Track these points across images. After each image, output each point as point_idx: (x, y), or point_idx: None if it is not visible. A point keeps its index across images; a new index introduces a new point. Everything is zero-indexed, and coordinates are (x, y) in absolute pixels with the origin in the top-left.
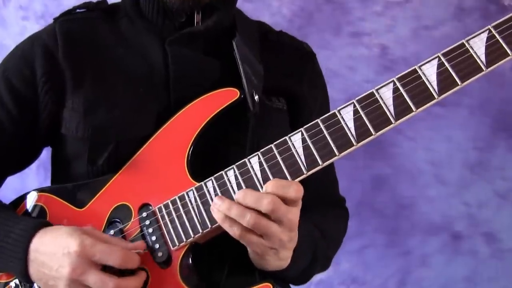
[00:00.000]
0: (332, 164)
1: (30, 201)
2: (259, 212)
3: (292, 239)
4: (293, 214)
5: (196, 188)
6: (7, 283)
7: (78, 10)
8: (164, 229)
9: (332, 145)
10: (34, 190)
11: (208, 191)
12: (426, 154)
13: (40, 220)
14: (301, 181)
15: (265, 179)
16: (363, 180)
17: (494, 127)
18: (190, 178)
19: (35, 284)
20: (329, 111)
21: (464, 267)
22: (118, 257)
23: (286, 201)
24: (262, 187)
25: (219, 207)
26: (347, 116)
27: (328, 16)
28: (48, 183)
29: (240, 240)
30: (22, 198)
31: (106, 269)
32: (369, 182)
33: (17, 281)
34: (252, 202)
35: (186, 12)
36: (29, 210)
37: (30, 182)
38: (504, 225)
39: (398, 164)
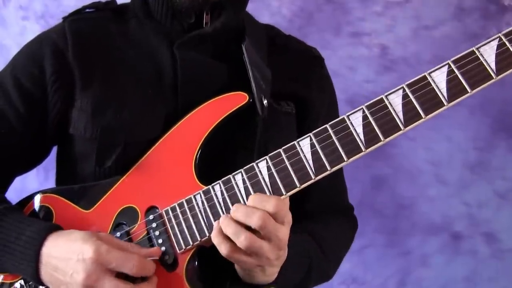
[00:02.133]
0: (341, 172)
1: (37, 202)
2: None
3: (279, 257)
4: (283, 233)
5: (203, 192)
6: (12, 284)
7: (87, 10)
8: (170, 232)
9: (341, 150)
10: (40, 191)
11: (216, 195)
12: (426, 154)
13: (51, 223)
14: (307, 189)
15: (273, 183)
16: (363, 180)
17: (494, 127)
18: (198, 182)
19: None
20: (337, 116)
21: (464, 267)
22: (133, 265)
23: (275, 218)
24: (270, 192)
25: (221, 222)
26: (356, 122)
27: (328, 16)
28: (48, 183)
29: (228, 258)
30: (28, 199)
31: (119, 274)
32: (369, 182)
33: (22, 281)
34: (242, 217)
35: (195, 12)
36: (37, 211)
37: (30, 183)
38: (504, 225)
39: (398, 164)
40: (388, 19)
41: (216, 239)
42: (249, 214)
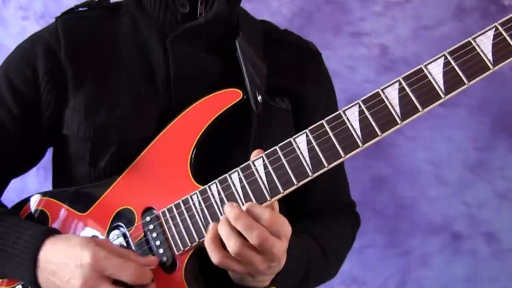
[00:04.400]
0: (342, 168)
1: (33, 205)
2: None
3: (271, 268)
4: (278, 248)
5: (200, 192)
6: None
7: (80, 9)
8: (168, 233)
9: (338, 146)
10: (36, 194)
11: (212, 194)
12: (426, 154)
13: (48, 227)
14: (307, 186)
15: (270, 181)
16: (363, 180)
17: (494, 127)
18: (194, 181)
19: None
20: (336, 111)
21: (464, 267)
22: (131, 273)
23: (270, 232)
24: (267, 190)
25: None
26: (352, 117)
27: (328, 16)
28: (48, 184)
29: (219, 265)
30: (24, 202)
31: (117, 280)
32: (369, 182)
33: (20, 287)
34: (243, 228)
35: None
36: (32, 214)
37: (30, 183)
38: (504, 225)
39: (398, 164)
40: (388, 19)
41: (209, 246)
42: (249, 228)
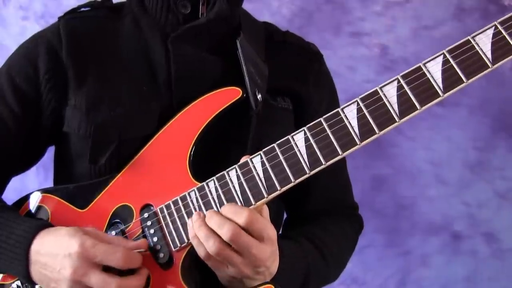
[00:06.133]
0: (344, 168)
1: (33, 202)
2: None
3: (260, 273)
4: (258, 249)
5: (198, 189)
6: (9, 285)
7: (82, 9)
8: (165, 230)
9: (335, 144)
10: (37, 190)
11: (210, 191)
12: (426, 154)
13: (42, 221)
14: (309, 187)
15: (268, 178)
16: (363, 180)
17: (494, 127)
18: (192, 178)
19: (37, 286)
20: None
21: (464, 267)
22: (119, 258)
23: (249, 232)
24: (265, 187)
25: (194, 223)
26: (350, 115)
27: (328, 16)
28: (48, 183)
29: (206, 262)
30: (25, 199)
31: (109, 268)
32: (369, 182)
33: (19, 282)
34: (215, 226)
35: (190, 0)
36: (32, 211)
37: (30, 182)
38: (504, 225)
39: (398, 164)
40: (388, 19)
41: (194, 241)
42: (220, 225)
